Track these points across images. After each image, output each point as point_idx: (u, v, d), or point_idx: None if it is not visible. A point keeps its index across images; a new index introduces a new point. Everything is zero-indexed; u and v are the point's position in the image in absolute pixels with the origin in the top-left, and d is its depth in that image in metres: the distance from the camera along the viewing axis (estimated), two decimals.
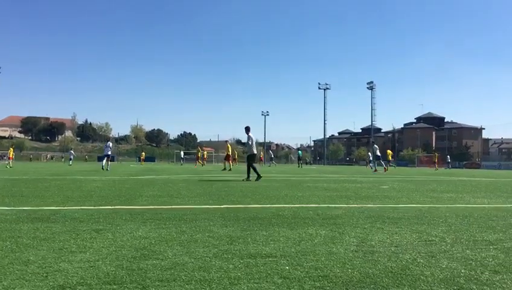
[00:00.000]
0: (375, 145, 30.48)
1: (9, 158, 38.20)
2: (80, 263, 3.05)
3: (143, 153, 62.49)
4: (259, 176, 14.18)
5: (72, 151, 48.51)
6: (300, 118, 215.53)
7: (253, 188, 10.52)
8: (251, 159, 14.76)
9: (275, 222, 5.01)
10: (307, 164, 39.31)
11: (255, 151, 14.86)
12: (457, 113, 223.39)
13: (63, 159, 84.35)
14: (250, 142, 14.72)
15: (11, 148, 40.52)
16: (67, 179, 14.16)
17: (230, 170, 25.39)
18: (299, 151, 49.65)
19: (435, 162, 46.31)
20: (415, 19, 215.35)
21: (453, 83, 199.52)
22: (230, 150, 27.49)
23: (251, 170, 14.68)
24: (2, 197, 7.64)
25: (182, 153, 58.26)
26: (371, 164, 28.54)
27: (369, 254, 3.45)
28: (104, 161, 25.14)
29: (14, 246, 3.60)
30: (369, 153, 31.98)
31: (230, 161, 27.00)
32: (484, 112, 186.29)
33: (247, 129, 15.14)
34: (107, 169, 24.28)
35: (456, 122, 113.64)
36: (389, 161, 33.37)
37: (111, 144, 26.79)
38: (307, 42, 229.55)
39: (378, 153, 29.20)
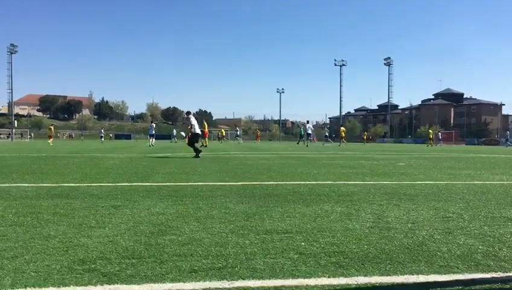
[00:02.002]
0: (308, 125, 36.97)
1: (50, 137, 39.29)
2: (99, 238, 3.11)
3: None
4: (197, 155, 14.90)
5: (102, 130, 55.33)
6: (316, 95, 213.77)
7: (268, 166, 10.54)
8: (194, 138, 15.84)
9: (291, 199, 5.03)
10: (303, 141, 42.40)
11: (198, 131, 16.01)
12: (476, 89, 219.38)
13: (82, 138, 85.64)
14: (193, 123, 15.87)
15: (51, 127, 41.86)
16: (85, 157, 14.36)
17: (206, 146, 27.22)
18: (301, 129, 51.88)
19: (430, 139, 46.64)
20: None
21: (472, 59, 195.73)
22: (206, 128, 30.77)
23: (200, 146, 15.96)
24: (22, 174, 7.79)
25: (174, 131, 62.23)
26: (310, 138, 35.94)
27: (385, 230, 3.44)
28: (151, 140, 29.68)
29: (35, 221, 3.68)
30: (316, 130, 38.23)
31: (206, 137, 30.33)
32: (504, 88, 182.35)
33: (188, 113, 16.48)
34: (152, 145, 28.30)
35: (475, 98, 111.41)
36: (342, 138, 37.66)
37: (154, 125, 32.20)
38: (323, 18, 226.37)
39: (310, 131, 35.50)
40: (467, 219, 3.95)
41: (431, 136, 47.08)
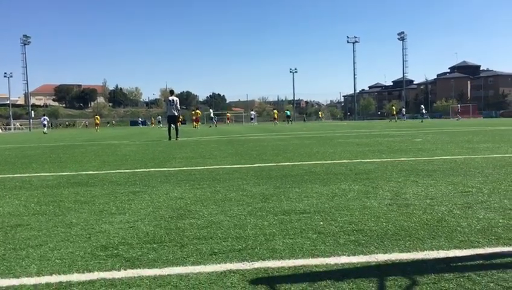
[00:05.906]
0: (211, 110, 50.93)
1: (96, 124, 44.73)
2: (120, 224, 3.16)
3: (158, 116, 64.40)
4: (169, 138, 15.90)
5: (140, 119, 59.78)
6: (330, 73, 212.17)
7: (284, 147, 10.53)
8: (170, 120, 16.60)
9: (308, 179, 5.03)
10: (290, 122, 47.31)
11: (174, 113, 16.32)
12: (494, 61, 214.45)
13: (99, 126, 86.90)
14: (169, 105, 16.50)
15: (98, 117, 46.85)
16: (102, 144, 14.52)
17: (196, 128, 33.18)
18: (287, 111, 58.68)
19: (393, 114, 48.55)
20: None
21: (489, 30, 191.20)
22: (199, 115, 37.15)
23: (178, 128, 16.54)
24: (42, 164, 7.92)
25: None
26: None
27: (404, 207, 3.43)
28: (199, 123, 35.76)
29: (57, 209, 3.76)
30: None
31: (199, 123, 37.01)
32: None
33: (171, 92, 17.47)
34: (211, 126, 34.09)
35: (492, 70, 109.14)
36: (275, 119, 47.11)
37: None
38: None
39: (212, 115, 47.53)
40: (486, 193, 3.91)
41: (393, 112, 48.78)
